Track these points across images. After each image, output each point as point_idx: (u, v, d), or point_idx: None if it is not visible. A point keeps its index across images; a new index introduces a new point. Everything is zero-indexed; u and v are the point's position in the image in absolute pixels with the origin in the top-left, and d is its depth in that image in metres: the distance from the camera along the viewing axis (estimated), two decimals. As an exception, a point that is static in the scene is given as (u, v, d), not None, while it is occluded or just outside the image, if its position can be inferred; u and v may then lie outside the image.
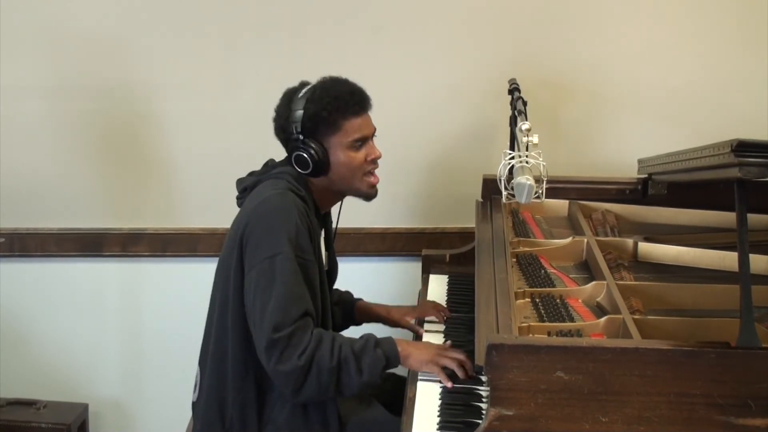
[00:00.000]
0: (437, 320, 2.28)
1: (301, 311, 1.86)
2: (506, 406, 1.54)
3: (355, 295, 2.42)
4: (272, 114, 2.07)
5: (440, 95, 2.80)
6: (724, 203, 2.16)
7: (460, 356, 1.91)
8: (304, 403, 1.97)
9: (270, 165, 2.12)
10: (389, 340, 1.93)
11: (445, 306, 2.36)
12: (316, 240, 2.01)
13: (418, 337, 2.24)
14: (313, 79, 2.07)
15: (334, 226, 2.25)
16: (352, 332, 2.33)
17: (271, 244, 1.89)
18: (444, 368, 1.89)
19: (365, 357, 1.88)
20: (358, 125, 2.02)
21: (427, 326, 2.27)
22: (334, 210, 2.22)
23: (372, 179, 2.06)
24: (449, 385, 1.86)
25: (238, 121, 2.77)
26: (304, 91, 2.02)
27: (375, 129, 2.07)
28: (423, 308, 2.36)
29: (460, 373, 1.87)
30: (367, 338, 1.93)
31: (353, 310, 2.37)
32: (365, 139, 2.04)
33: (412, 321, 2.32)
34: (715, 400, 1.51)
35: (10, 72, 2.74)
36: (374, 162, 2.06)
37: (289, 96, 2.03)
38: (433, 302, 2.38)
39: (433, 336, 2.20)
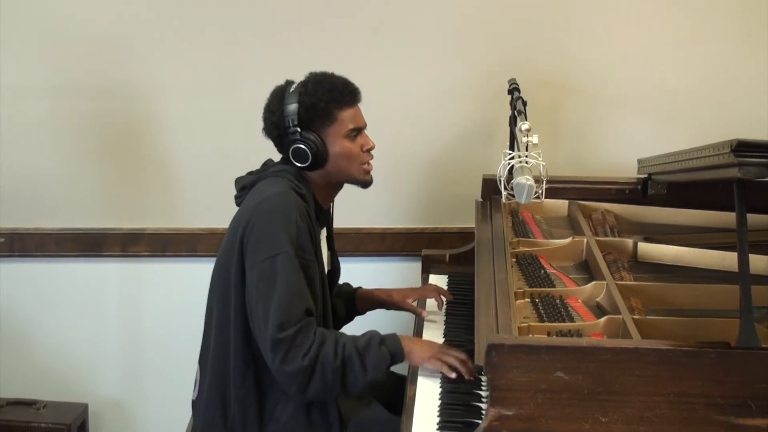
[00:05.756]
0: (437, 303, 2.33)
1: (303, 310, 1.87)
2: (506, 406, 1.54)
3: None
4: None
5: (440, 95, 2.80)
6: (724, 203, 2.16)
7: (462, 356, 1.92)
8: (308, 402, 1.97)
9: (269, 164, 2.13)
10: (394, 337, 1.94)
11: (445, 302, 2.36)
12: (317, 239, 2.02)
13: (420, 318, 2.28)
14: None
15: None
16: (358, 322, 2.37)
17: (272, 244, 1.89)
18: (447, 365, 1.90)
19: (369, 355, 1.88)
20: (353, 115, 2.05)
21: (426, 322, 2.28)
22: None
23: (367, 167, 2.09)
24: (453, 375, 1.87)
25: (238, 121, 2.77)
26: (295, 86, 2.04)
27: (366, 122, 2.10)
28: (425, 290, 2.40)
29: (462, 371, 1.88)
30: (372, 335, 1.93)
31: (354, 299, 2.37)
32: (360, 130, 2.07)
33: (414, 303, 2.35)
34: (715, 400, 1.52)
35: (11, 72, 2.74)
36: (369, 152, 2.08)
37: (280, 93, 2.05)
38: (435, 285, 2.42)
39: (434, 326, 2.23)
